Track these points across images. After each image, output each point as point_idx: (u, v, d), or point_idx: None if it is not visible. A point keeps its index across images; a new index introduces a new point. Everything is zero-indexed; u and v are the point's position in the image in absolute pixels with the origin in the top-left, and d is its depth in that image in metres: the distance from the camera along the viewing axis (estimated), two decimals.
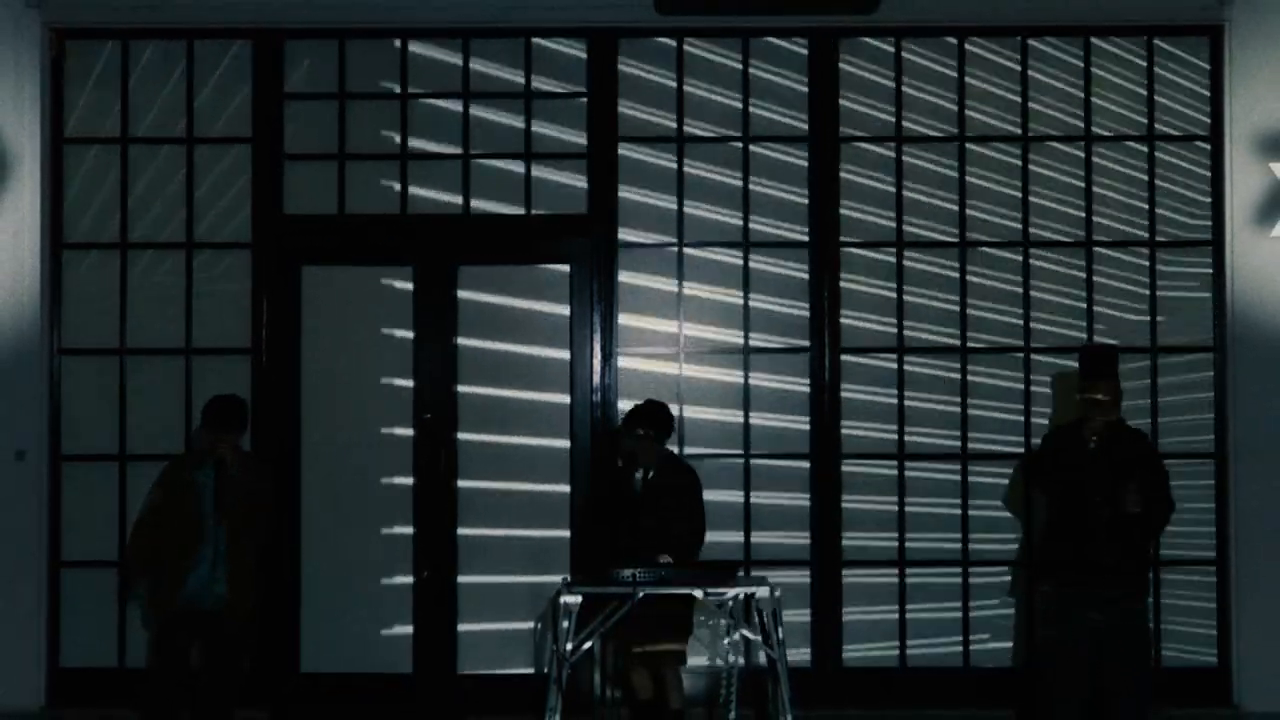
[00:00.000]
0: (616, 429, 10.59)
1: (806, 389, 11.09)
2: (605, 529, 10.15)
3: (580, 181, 11.16)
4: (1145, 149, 11.15)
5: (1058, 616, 8.92)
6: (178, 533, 9.16)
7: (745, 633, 9.53)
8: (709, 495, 10.28)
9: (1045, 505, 9.35)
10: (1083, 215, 11.12)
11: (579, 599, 9.15)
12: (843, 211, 11.12)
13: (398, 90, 11.16)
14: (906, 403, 11.09)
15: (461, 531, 11.03)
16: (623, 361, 11.08)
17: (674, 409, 10.59)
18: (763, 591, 9.23)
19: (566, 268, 11.13)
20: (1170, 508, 9.14)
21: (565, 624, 9.10)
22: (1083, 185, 11.15)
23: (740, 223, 11.16)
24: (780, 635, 9.25)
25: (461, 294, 11.11)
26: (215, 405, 9.46)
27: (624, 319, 11.12)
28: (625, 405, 10.77)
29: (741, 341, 11.13)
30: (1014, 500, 10.92)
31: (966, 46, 11.17)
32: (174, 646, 9.19)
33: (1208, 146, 11.12)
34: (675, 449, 10.46)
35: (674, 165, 11.18)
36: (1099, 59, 11.17)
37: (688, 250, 11.16)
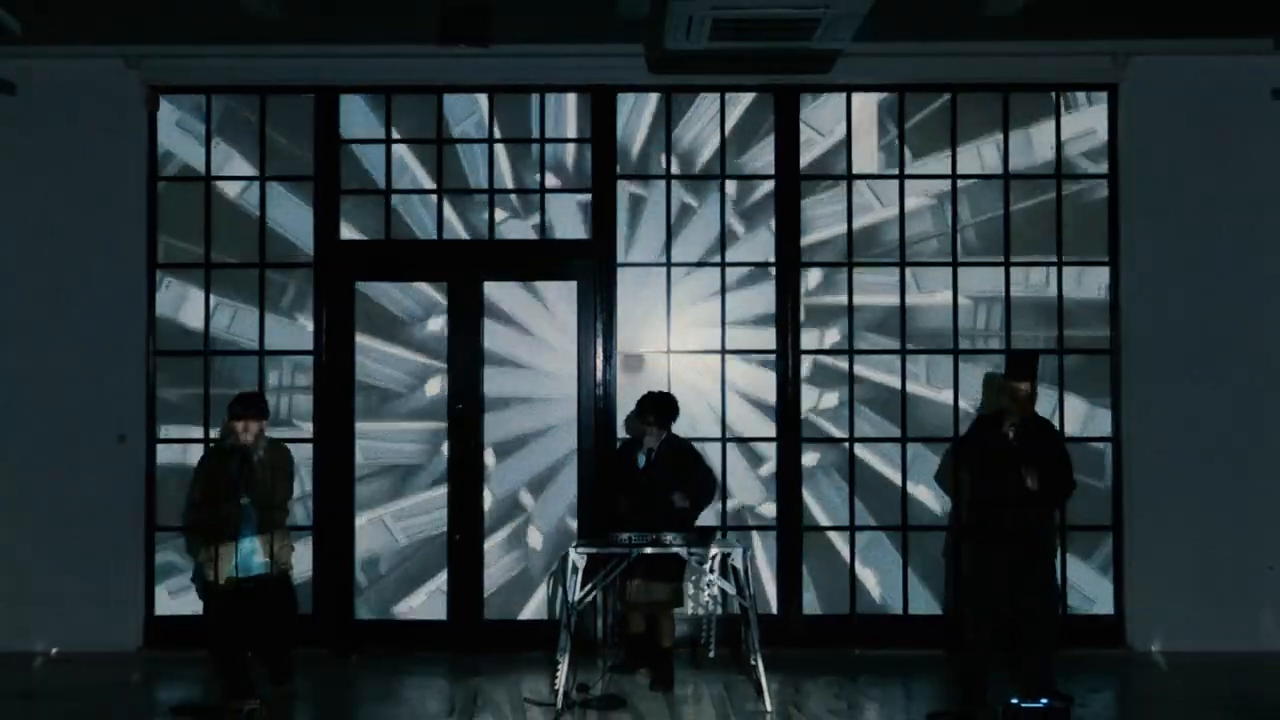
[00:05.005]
0: (629, 415, 10.72)
1: (773, 384, 11.20)
2: (607, 500, 10.25)
3: (585, 212, 11.27)
4: (1054, 184, 11.25)
5: (980, 568, 9.05)
6: (218, 512, 9.16)
7: (722, 586, 9.61)
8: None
9: (970, 482, 9.45)
10: (1002, 239, 11.21)
11: (585, 557, 9.33)
12: (803, 236, 11.23)
13: (434, 136, 11.30)
14: (856, 395, 11.18)
15: (487, 502, 11.14)
16: (620, 361, 11.18)
17: None
18: (737, 551, 9.40)
19: (574, 283, 11.20)
20: (1071, 486, 9.31)
21: (573, 578, 9.27)
22: (1002, 214, 11.22)
23: (718, 246, 11.25)
24: (751, 588, 9.41)
25: (487, 304, 11.19)
26: (236, 398, 9.42)
27: (621, 326, 11.21)
28: (624, 399, 10.94)
29: (719, 345, 11.23)
30: (945, 477, 11.03)
31: (905, 99, 11.28)
32: (231, 610, 9.19)
33: (1105, 183, 11.22)
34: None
35: (663, 198, 11.27)
36: (1015, 110, 11.26)
37: (674, 269, 11.26)
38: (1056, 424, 10.98)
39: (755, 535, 11.08)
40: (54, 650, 10.82)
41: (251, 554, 9.19)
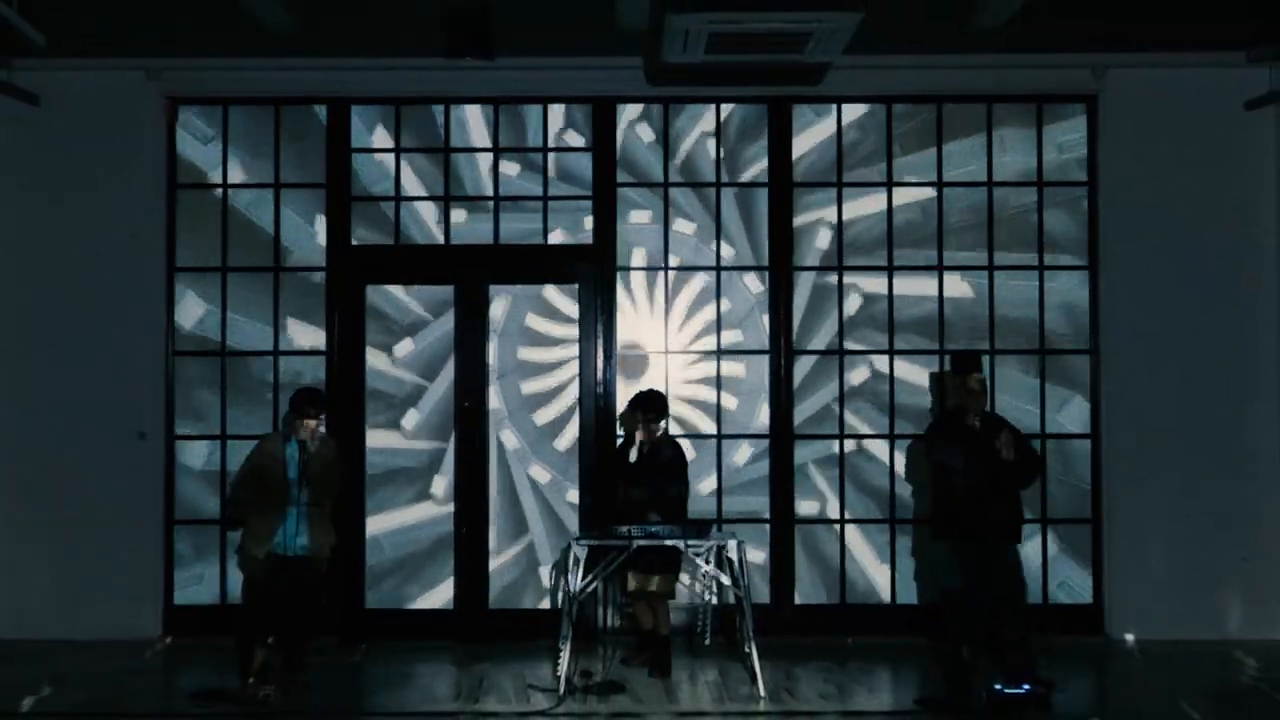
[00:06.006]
0: (622, 413, 10.74)
1: (766, 382, 11.24)
2: (606, 494, 10.30)
3: (586, 218, 11.33)
4: (1035, 190, 11.32)
5: (957, 560, 9.04)
6: (268, 495, 9.25)
7: (718, 576, 9.67)
8: (692, 466, 10.43)
9: (941, 475, 9.30)
10: (985, 245, 11.27)
11: (586, 549, 9.39)
12: (795, 241, 11.28)
13: (442, 145, 11.35)
14: (845, 394, 11.24)
15: (492, 496, 11.17)
16: (620, 360, 11.24)
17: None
18: (732, 543, 9.45)
19: (575, 286, 11.26)
20: (1038, 459, 9.35)
21: (575, 569, 9.32)
22: (986, 220, 11.29)
23: (714, 250, 11.31)
24: (745, 578, 9.45)
25: (492, 307, 11.24)
26: (299, 394, 9.57)
27: (621, 327, 11.26)
28: (623, 396, 10.94)
29: (715, 345, 11.28)
30: (914, 473, 11.05)
31: (893, 110, 11.34)
32: (263, 586, 9.26)
33: (1085, 189, 11.29)
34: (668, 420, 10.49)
35: (661, 204, 11.33)
36: (999, 120, 11.33)
37: (672, 272, 11.31)
38: (1041, 421, 11.12)
39: (749, 527, 11.09)
40: (78, 638, 10.88)
41: (297, 535, 9.24)
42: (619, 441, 10.59)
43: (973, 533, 8.97)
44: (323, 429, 9.53)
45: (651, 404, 10.02)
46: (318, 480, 9.31)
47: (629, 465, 9.99)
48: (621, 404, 11.03)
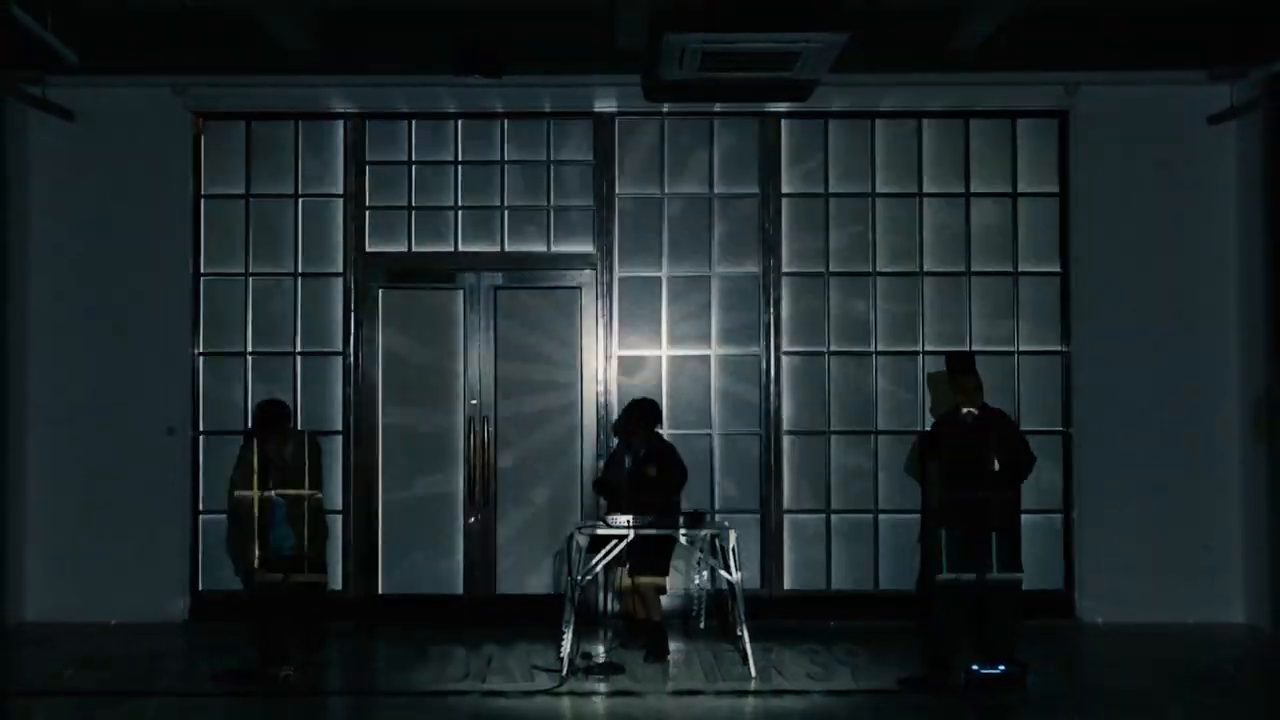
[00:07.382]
0: (617, 419, 10.74)
1: (757, 381, 11.29)
2: (606, 489, 10.31)
3: (588, 226, 11.37)
4: (1010, 203, 11.39)
5: (951, 552, 9.02)
6: (248, 510, 9.19)
7: (712, 564, 9.72)
8: (687, 462, 10.49)
9: (939, 470, 9.30)
10: (963, 253, 11.35)
11: (588, 538, 9.44)
12: (783, 248, 11.32)
13: (452, 158, 11.42)
14: (831, 392, 11.30)
15: (499, 487, 11.23)
16: (620, 361, 11.29)
17: (659, 396, 10.85)
18: (725, 532, 9.50)
19: (578, 290, 11.33)
20: (1032, 458, 9.24)
21: (577, 557, 9.38)
22: (964, 230, 11.36)
23: (707, 257, 11.39)
24: (738, 565, 9.46)
25: (499, 310, 11.31)
26: (259, 411, 9.44)
27: (621, 329, 11.31)
28: (623, 394, 10.99)
29: (709, 345, 11.34)
30: (915, 467, 11.07)
31: (876, 125, 11.40)
32: (267, 585, 9.24)
33: (1056, 201, 11.35)
34: (663, 427, 10.51)
35: (658, 213, 11.40)
36: (975, 135, 11.38)
37: (668, 277, 11.37)
38: (1014, 412, 11.13)
39: (741, 517, 11.09)
40: (111, 621, 10.96)
41: (282, 539, 9.24)
42: (615, 445, 10.61)
43: (967, 524, 8.98)
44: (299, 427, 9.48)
45: (644, 411, 10.04)
46: (292, 483, 9.22)
47: (626, 471, 9.98)
48: (621, 403, 11.01)
